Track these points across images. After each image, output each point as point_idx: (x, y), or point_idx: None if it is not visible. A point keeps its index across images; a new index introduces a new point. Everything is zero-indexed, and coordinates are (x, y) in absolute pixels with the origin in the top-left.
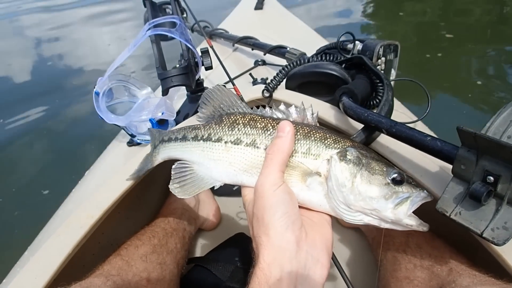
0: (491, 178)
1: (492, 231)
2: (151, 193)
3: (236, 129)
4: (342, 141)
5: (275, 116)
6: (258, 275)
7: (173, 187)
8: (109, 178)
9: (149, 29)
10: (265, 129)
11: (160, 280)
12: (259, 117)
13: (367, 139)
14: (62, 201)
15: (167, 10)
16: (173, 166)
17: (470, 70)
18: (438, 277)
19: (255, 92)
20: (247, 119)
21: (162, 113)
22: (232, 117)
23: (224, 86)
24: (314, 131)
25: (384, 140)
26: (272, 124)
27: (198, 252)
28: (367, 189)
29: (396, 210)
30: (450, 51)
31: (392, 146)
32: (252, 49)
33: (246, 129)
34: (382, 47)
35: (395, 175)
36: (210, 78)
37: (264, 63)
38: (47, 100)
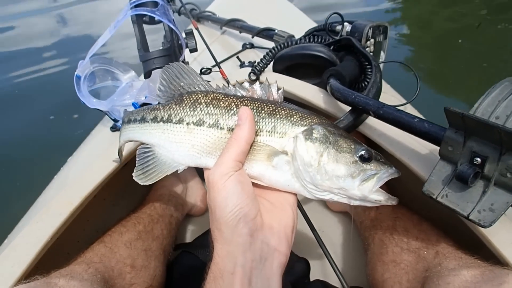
0: (478, 159)
1: (479, 213)
2: None
3: (198, 109)
4: (309, 118)
5: (239, 94)
6: (213, 270)
7: (135, 174)
8: (89, 165)
9: (130, 9)
10: (228, 108)
11: (145, 267)
12: (222, 96)
13: (355, 121)
14: (44, 188)
15: None
16: (137, 152)
17: (466, 53)
18: (425, 260)
19: (242, 76)
20: (210, 98)
21: (145, 97)
22: (193, 96)
23: (184, 62)
24: (279, 108)
25: (373, 123)
26: (236, 103)
27: (187, 238)
28: (334, 168)
29: (362, 187)
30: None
31: (380, 129)
32: (240, 32)
33: (208, 108)
34: (371, 28)
35: (362, 152)
36: (198, 61)
37: (252, 46)
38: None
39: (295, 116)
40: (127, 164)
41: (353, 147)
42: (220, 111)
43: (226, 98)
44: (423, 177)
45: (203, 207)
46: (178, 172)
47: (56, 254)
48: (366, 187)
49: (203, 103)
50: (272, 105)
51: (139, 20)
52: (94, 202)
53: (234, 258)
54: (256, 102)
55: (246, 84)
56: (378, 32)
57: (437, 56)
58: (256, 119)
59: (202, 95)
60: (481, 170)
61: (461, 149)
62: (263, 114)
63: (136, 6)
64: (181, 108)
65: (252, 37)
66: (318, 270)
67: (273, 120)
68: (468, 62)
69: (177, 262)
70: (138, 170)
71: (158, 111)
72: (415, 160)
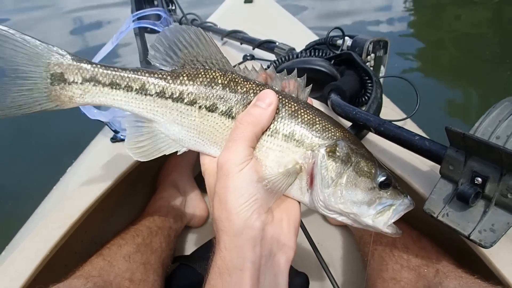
0: (479, 179)
1: (480, 233)
2: (137, 191)
3: (214, 90)
4: (332, 130)
5: (259, 81)
6: (219, 264)
7: (128, 145)
8: (89, 176)
9: (133, 21)
10: (245, 95)
11: (144, 280)
12: (242, 80)
13: None
14: (43, 199)
15: (155, 2)
16: (127, 122)
17: (468, 69)
18: (425, 278)
19: None
20: (227, 79)
21: None
22: (210, 74)
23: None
24: (302, 111)
25: (373, 138)
26: (255, 91)
27: (186, 250)
28: (351, 193)
29: (377, 219)
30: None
31: (381, 145)
32: (241, 44)
33: (224, 92)
34: (372, 43)
35: (382, 179)
36: None
37: (252, 57)
38: None
39: (317, 125)
40: (127, 176)
41: (373, 171)
42: (236, 97)
43: (245, 83)
44: (424, 194)
45: (202, 219)
46: (178, 154)
47: (53, 266)
48: (381, 220)
49: (220, 84)
50: (295, 105)
51: (141, 32)
52: (93, 213)
53: (243, 253)
54: (277, 96)
55: (271, 71)
56: (379, 47)
57: (438, 70)
58: (274, 117)
59: (220, 74)
60: (482, 190)
61: (462, 168)
62: (283, 113)
63: (139, 18)
64: (195, 87)
65: (253, 49)
66: (317, 285)
67: (292, 124)
68: (470, 79)
69: (175, 275)
70: (131, 144)
71: (167, 84)
72: (415, 177)
